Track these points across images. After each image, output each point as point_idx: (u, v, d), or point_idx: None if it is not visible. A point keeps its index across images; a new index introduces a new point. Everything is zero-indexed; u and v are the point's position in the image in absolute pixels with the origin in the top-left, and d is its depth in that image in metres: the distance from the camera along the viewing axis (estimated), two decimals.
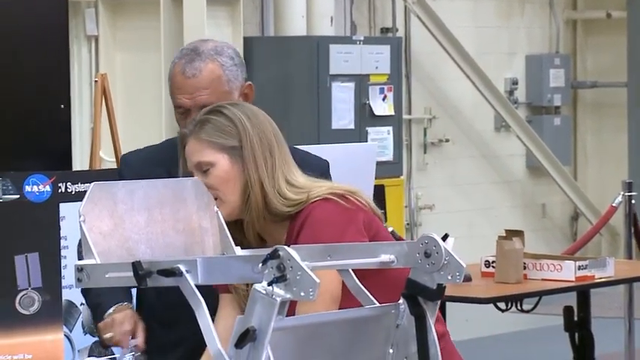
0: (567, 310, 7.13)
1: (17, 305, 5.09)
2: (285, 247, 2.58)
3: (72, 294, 5.12)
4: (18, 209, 5.12)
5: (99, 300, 3.85)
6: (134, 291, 3.89)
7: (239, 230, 3.37)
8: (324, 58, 9.32)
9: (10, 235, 5.10)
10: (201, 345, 3.53)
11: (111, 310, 3.74)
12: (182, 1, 9.01)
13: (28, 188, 5.20)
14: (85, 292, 3.97)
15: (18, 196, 5.16)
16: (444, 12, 11.07)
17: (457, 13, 11.41)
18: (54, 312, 5.10)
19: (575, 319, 7.14)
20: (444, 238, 2.83)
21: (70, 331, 5.20)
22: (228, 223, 3.30)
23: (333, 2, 9.88)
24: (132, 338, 3.65)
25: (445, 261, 2.77)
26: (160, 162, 3.79)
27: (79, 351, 5.13)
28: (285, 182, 3.35)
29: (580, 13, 12.81)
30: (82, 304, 5.10)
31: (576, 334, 7.18)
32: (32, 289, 5.08)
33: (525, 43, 12.27)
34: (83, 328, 5.14)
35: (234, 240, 3.32)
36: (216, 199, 3.29)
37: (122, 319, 3.71)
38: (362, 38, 9.88)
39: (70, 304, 5.22)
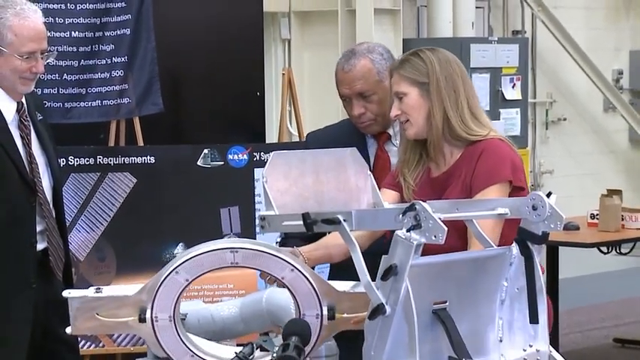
0: None
1: None
2: (421, 202, 2.56)
3: (264, 238, 5.15)
4: (222, 173, 5.19)
5: None
6: None
7: (425, 148, 3.38)
8: (466, 55, 9.23)
9: (216, 193, 5.17)
10: None
11: None
12: (355, 11, 9.01)
13: (230, 157, 5.26)
14: None
15: (222, 163, 5.23)
16: (563, 17, 10.91)
17: (574, 18, 11.22)
18: None
19: None
20: (548, 195, 2.78)
21: None
22: (415, 142, 3.37)
23: (474, 10, 9.77)
24: None
25: (549, 213, 2.72)
26: (340, 139, 3.77)
27: None
28: (470, 114, 3.34)
29: None
30: None
31: None
32: (233, 234, 5.15)
33: (629, 40, 12.01)
34: None
35: (418, 155, 3.39)
36: (407, 121, 3.34)
37: None
38: (496, 39, 9.77)
39: None
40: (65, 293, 2.92)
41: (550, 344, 2.82)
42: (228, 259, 3.05)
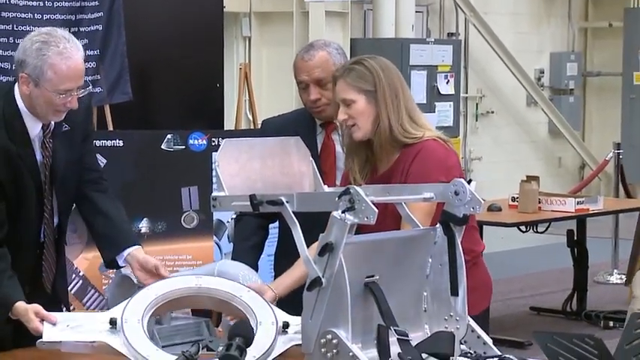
0: (569, 232, 7.04)
1: (182, 222, 5.11)
2: (355, 186, 2.54)
3: (221, 215, 5.11)
4: (184, 156, 5.13)
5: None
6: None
7: (370, 149, 3.26)
8: (406, 54, 9.23)
9: (178, 174, 5.12)
10: None
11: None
12: (309, 13, 8.99)
13: (191, 141, 5.20)
14: None
15: (184, 147, 5.17)
16: (492, 22, 10.95)
17: (502, 23, 11.27)
18: (207, 226, 5.12)
19: (575, 238, 7.05)
20: (469, 182, 2.75)
21: (219, 240, 5.21)
22: (360, 143, 3.23)
23: (414, 14, 9.77)
24: None
25: (469, 198, 2.70)
26: (292, 127, 3.69)
27: (225, 254, 5.13)
28: (409, 118, 3.20)
29: (590, 23, 12.58)
30: (227, 221, 5.10)
31: (575, 250, 7.09)
32: (193, 210, 5.11)
33: (550, 44, 12.08)
34: (228, 238, 5.14)
35: (364, 155, 3.26)
36: (354, 125, 3.20)
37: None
38: (433, 40, 9.78)
39: (219, 221, 5.21)
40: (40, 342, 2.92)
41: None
42: (193, 282, 3.05)
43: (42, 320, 3.01)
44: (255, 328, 2.88)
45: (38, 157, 3.36)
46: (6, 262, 3.23)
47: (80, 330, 2.91)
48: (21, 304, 3.09)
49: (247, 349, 2.50)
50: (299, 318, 2.66)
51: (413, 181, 3.12)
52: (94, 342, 2.87)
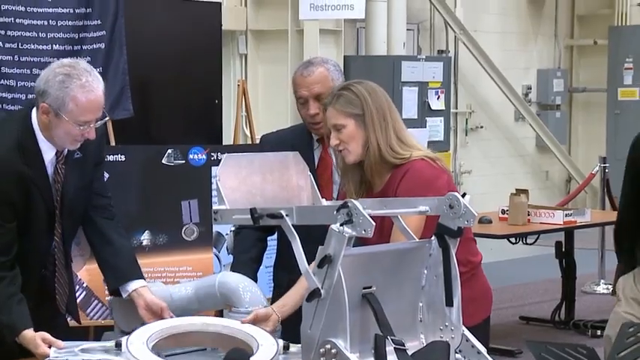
0: (558, 244, 7.05)
1: (182, 234, 5.10)
2: (352, 200, 2.54)
3: (220, 227, 5.10)
4: (184, 170, 5.12)
5: None
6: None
7: (361, 169, 3.27)
8: (398, 70, 9.25)
9: (178, 188, 5.10)
10: None
11: None
12: (303, 31, 9.01)
13: (191, 156, 5.19)
14: None
15: (184, 162, 5.15)
16: (481, 39, 10.98)
17: (490, 41, 11.30)
18: (207, 239, 5.10)
19: (563, 250, 7.07)
20: (463, 195, 2.75)
21: (219, 252, 5.20)
22: (353, 165, 3.25)
23: (405, 32, 9.79)
24: None
25: (463, 211, 2.71)
26: (290, 142, 3.71)
27: (224, 265, 5.12)
28: (397, 139, 3.22)
29: (575, 40, 12.61)
30: (227, 233, 5.09)
31: (563, 261, 7.11)
32: (193, 223, 5.09)
33: (537, 61, 12.12)
34: (227, 250, 5.11)
35: (359, 177, 3.27)
36: (345, 149, 3.23)
37: None
38: (424, 57, 9.80)
39: (219, 233, 5.19)
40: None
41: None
42: (197, 320, 3.08)
43: (50, 346, 2.99)
44: (256, 349, 2.90)
45: (50, 181, 3.34)
46: (16, 286, 3.21)
47: (86, 351, 2.91)
48: (28, 332, 3.08)
49: None
50: (299, 345, 2.66)
51: None
52: None
